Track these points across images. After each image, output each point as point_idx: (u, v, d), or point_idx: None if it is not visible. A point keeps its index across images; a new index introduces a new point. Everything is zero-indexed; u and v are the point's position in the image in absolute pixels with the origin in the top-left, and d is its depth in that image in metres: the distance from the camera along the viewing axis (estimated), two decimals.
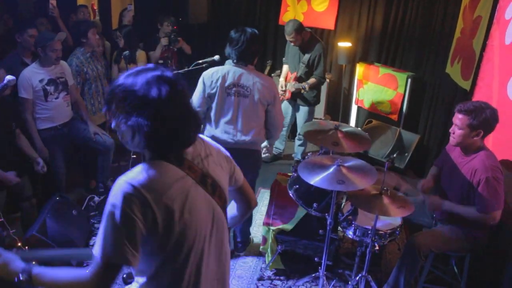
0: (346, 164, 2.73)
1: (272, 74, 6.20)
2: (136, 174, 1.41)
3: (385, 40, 5.89)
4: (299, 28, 4.80)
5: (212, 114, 3.30)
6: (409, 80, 5.44)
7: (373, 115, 5.92)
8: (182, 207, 1.44)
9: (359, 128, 4.04)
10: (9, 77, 2.91)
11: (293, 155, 5.59)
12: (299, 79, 4.99)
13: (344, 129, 3.33)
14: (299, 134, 5.39)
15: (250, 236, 3.95)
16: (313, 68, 4.95)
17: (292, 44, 4.97)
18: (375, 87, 5.76)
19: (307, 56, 4.92)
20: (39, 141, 3.95)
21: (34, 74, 3.89)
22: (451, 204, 3.02)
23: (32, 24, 4.27)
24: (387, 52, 5.94)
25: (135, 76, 1.42)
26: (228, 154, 1.76)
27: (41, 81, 3.91)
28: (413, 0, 5.52)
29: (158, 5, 6.03)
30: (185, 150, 1.51)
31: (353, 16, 5.99)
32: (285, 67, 5.31)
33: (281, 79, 5.24)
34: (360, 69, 5.95)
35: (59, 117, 4.08)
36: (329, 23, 6.04)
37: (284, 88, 5.12)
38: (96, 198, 4.36)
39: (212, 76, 3.23)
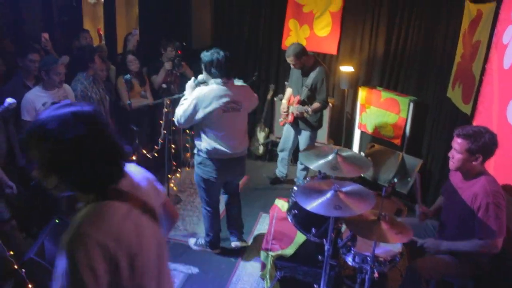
0: (343, 189, 2.71)
1: (275, 98, 6.24)
2: (86, 222, 1.36)
3: (387, 65, 5.91)
4: (299, 52, 4.83)
5: (209, 130, 3.54)
6: (411, 104, 5.43)
7: (376, 139, 5.90)
8: (138, 242, 1.45)
9: (360, 153, 4.02)
10: (9, 100, 2.95)
11: (295, 180, 5.56)
12: (302, 103, 5.00)
13: (344, 154, 3.31)
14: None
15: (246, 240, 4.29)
16: (316, 92, 4.96)
17: (292, 67, 4.99)
18: (378, 111, 5.76)
19: (310, 80, 4.95)
20: None
21: (37, 97, 3.94)
22: (449, 244, 2.97)
23: (34, 49, 4.33)
24: (389, 77, 5.95)
25: (52, 115, 1.37)
26: (149, 175, 1.74)
27: (44, 104, 3.94)
28: (415, 25, 5.56)
29: (162, 30, 6.11)
30: (120, 183, 1.49)
31: (355, 40, 6.03)
32: (288, 90, 5.33)
33: (284, 101, 5.25)
34: (362, 93, 5.96)
35: None
36: (331, 48, 6.08)
37: (286, 111, 5.13)
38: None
39: (205, 98, 3.41)
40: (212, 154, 3.62)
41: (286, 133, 5.44)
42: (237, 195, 4.20)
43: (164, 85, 5.34)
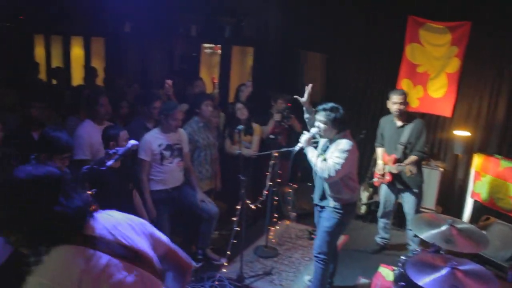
0: (461, 268, 2.47)
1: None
2: (45, 270, 1.40)
3: (508, 132, 5.49)
4: (406, 94, 4.78)
5: (350, 179, 3.80)
6: None
7: (491, 211, 5.39)
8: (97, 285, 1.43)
9: (476, 227, 3.68)
10: (132, 142, 3.14)
11: (407, 247, 5.19)
12: (398, 161, 4.78)
13: (459, 226, 3.07)
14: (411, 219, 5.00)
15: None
16: (412, 147, 4.74)
17: (396, 107, 4.74)
18: (495, 181, 5.30)
19: (406, 134, 4.74)
20: (150, 202, 4.17)
21: (154, 139, 4.20)
22: None
23: (157, 97, 4.67)
24: (509, 144, 5.50)
25: (16, 177, 1.48)
26: (141, 223, 1.71)
27: (160, 145, 4.19)
28: None
29: (273, 82, 6.30)
30: (87, 228, 1.50)
31: (473, 104, 5.70)
32: (379, 150, 5.12)
33: (380, 162, 5.03)
34: (478, 160, 5.54)
35: (171, 181, 4.30)
36: (446, 110, 5.81)
37: (383, 172, 4.91)
38: (194, 264, 4.41)
39: (353, 149, 3.70)
40: (349, 201, 3.79)
41: (386, 196, 5.13)
42: (336, 254, 4.11)
43: (271, 136, 5.43)
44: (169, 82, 4.96)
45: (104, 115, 4.18)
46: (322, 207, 3.86)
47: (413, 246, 4.95)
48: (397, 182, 4.88)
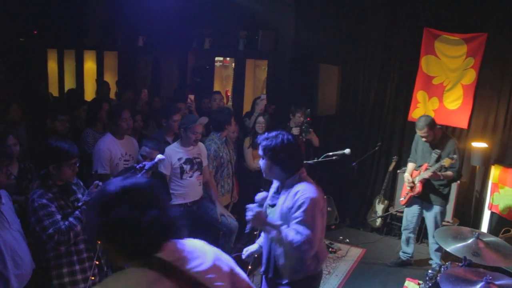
0: (497, 283, 2.44)
1: (398, 171, 5.99)
2: (108, 282, 1.50)
3: None
4: (432, 123, 4.66)
5: None
6: None
7: (510, 223, 5.35)
8: None
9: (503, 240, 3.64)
10: (159, 156, 3.14)
11: (429, 262, 5.12)
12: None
13: (485, 239, 3.04)
14: (434, 238, 4.86)
15: None
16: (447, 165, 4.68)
17: (424, 139, 4.77)
18: None
19: (438, 152, 4.71)
20: None
21: (174, 153, 4.20)
22: None
23: (177, 110, 4.69)
24: None
25: (106, 191, 1.52)
26: (223, 257, 1.69)
27: (179, 159, 4.20)
28: None
29: (288, 95, 6.31)
30: (168, 250, 1.51)
31: (489, 115, 5.67)
32: (410, 165, 5.07)
33: (407, 174, 5.00)
34: (495, 172, 5.50)
35: (190, 195, 4.29)
36: (462, 122, 5.78)
37: (412, 182, 4.86)
38: None
39: None
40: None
41: (411, 209, 5.06)
42: None
43: None
44: (192, 97, 5.00)
45: (126, 130, 4.20)
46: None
47: (436, 260, 4.90)
48: (429, 194, 4.83)
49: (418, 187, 4.79)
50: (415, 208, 5.01)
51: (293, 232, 2.48)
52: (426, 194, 4.83)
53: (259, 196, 2.84)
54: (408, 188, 4.91)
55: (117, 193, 1.48)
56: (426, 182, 4.76)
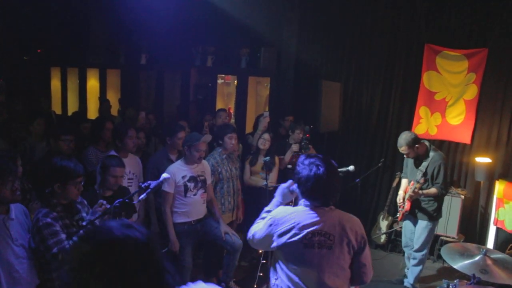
0: None
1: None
2: None
3: None
4: (411, 141, 4.61)
5: None
6: None
7: None
8: None
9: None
10: (165, 175, 3.15)
11: (404, 280, 5.07)
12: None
13: (493, 256, 3.01)
14: (414, 251, 4.85)
15: None
16: (432, 179, 4.68)
17: (405, 156, 4.79)
18: None
19: (424, 164, 4.70)
20: (173, 234, 4.12)
21: (178, 171, 4.18)
22: None
23: (181, 128, 4.70)
24: None
25: (99, 239, 1.37)
26: None
27: (183, 177, 4.18)
28: None
29: (291, 113, 6.32)
30: None
31: (492, 130, 5.66)
32: (404, 181, 5.07)
33: (401, 192, 4.98)
34: (500, 186, 5.48)
35: (194, 213, 4.26)
36: (465, 137, 5.78)
37: (402, 201, 4.84)
38: None
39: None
40: None
41: (407, 226, 5.06)
42: None
43: (289, 166, 5.41)
44: (206, 123, 5.04)
45: (132, 148, 4.19)
46: None
47: (410, 280, 4.91)
48: (412, 211, 4.80)
49: (407, 205, 4.76)
50: (410, 225, 4.99)
51: None
52: (413, 210, 4.81)
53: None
54: (401, 206, 4.90)
55: (106, 241, 1.36)
56: (414, 199, 4.73)
